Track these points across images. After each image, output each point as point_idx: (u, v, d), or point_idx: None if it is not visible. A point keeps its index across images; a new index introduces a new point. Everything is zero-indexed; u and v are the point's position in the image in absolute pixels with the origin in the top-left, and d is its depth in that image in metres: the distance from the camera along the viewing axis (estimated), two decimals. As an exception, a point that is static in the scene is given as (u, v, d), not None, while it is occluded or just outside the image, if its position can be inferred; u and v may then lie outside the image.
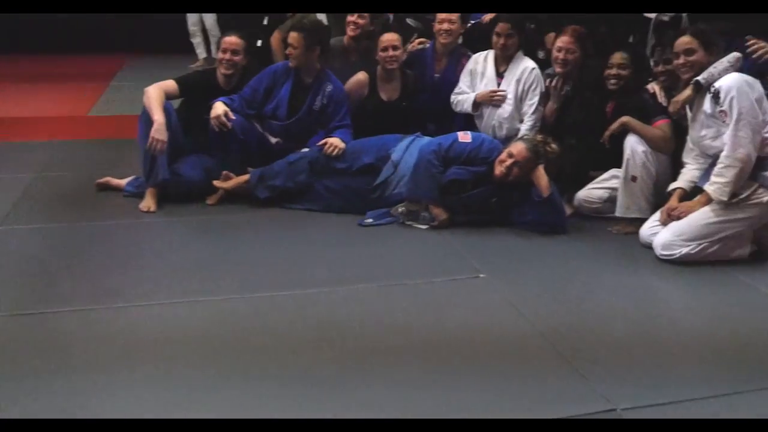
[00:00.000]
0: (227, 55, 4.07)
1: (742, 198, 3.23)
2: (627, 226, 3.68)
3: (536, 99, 4.10)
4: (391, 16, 4.78)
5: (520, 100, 4.12)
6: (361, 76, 4.27)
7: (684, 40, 3.34)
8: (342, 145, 3.94)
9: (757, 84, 3.21)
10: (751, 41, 3.65)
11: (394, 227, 3.72)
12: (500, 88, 4.14)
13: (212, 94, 4.06)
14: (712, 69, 3.26)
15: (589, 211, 3.89)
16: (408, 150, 3.87)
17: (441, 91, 4.35)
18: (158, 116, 3.84)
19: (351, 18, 4.44)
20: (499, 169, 3.64)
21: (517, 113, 4.14)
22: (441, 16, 4.26)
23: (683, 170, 3.51)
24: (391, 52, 4.21)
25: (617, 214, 3.71)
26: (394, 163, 3.86)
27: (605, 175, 3.85)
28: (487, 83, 4.17)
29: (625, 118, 3.65)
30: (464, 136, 3.75)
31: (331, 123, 4.11)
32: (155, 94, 3.93)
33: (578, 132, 3.91)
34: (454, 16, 4.26)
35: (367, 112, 4.27)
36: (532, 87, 4.11)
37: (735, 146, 3.16)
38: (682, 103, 3.35)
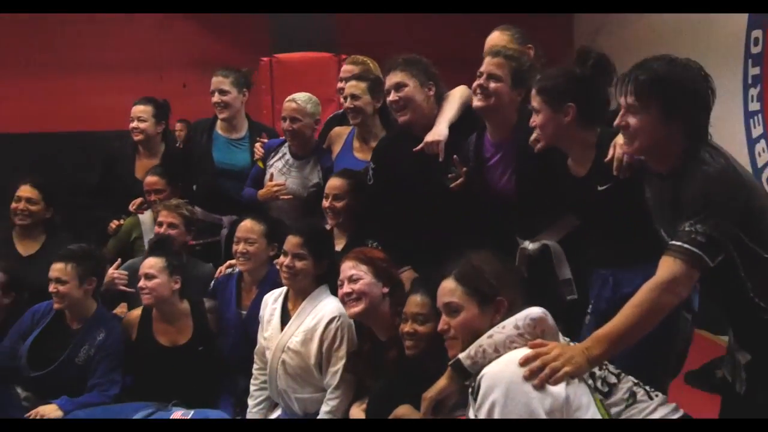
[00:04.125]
0: None
1: None
2: None
3: (341, 364, 2.67)
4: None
5: (318, 367, 2.72)
6: (131, 315, 3.13)
7: (445, 287, 1.95)
8: (57, 414, 2.78)
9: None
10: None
11: None
12: (283, 339, 2.77)
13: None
14: (486, 339, 1.82)
15: None
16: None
17: (249, 331, 3.08)
18: None
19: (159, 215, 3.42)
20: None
21: (313, 378, 2.75)
22: (238, 233, 3.08)
23: None
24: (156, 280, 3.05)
25: None
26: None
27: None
28: (272, 333, 2.83)
29: (401, 409, 2.21)
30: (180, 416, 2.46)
31: (90, 380, 3.03)
32: None
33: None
34: (255, 234, 3.05)
35: (144, 361, 3.11)
36: (335, 346, 2.69)
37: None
38: (430, 403, 1.89)
